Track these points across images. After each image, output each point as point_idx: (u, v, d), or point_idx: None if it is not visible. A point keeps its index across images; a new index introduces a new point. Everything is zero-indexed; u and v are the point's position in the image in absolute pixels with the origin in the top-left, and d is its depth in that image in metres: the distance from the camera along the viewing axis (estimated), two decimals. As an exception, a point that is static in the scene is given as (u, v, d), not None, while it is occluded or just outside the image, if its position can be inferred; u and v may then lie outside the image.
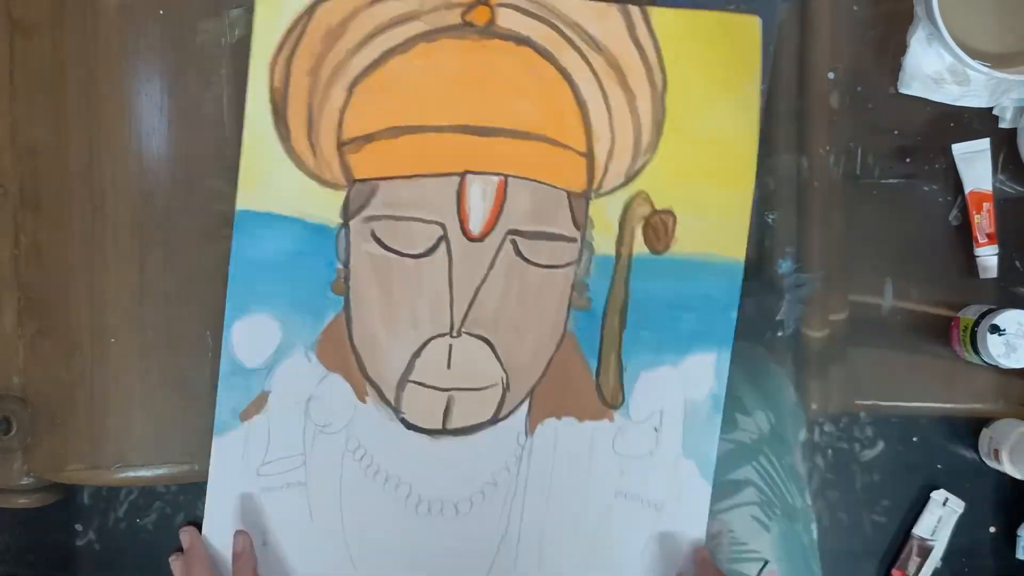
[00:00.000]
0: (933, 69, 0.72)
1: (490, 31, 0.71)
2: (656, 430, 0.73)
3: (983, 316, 0.71)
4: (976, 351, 0.71)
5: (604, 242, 0.72)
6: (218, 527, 0.72)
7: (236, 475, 0.72)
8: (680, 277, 0.72)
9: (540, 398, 0.73)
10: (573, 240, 0.72)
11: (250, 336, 0.71)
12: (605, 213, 0.72)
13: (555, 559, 0.73)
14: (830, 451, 0.77)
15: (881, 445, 0.77)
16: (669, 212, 0.72)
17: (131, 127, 0.72)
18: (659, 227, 0.72)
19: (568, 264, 0.72)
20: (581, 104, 0.71)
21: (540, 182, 0.71)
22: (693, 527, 0.73)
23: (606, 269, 0.72)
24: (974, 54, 0.68)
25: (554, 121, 0.71)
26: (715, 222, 0.72)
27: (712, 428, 0.73)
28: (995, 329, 0.71)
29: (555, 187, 0.71)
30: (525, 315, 0.72)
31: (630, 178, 0.72)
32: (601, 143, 0.72)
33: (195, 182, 0.72)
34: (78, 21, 0.71)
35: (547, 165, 0.71)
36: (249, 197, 0.71)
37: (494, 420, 0.73)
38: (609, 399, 0.73)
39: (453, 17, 0.70)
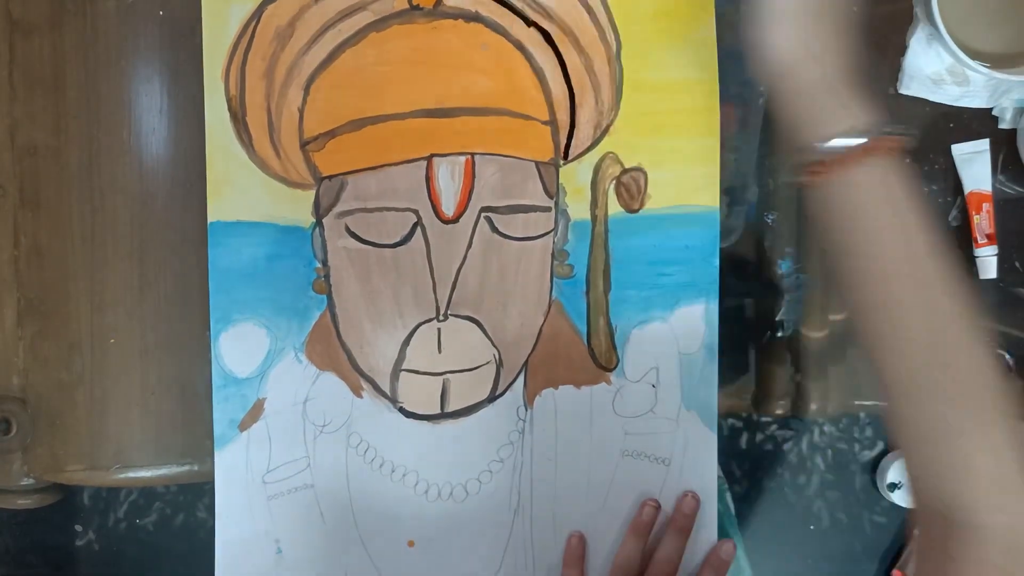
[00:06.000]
0: (933, 70, 0.72)
1: (439, 11, 0.71)
2: (654, 387, 0.74)
3: None
4: None
5: (578, 207, 0.73)
6: (230, 541, 0.72)
7: (242, 486, 0.72)
8: (658, 232, 0.73)
9: (535, 370, 0.73)
10: (547, 209, 0.72)
11: (238, 346, 0.71)
12: (576, 178, 0.73)
13: (570, 524, 0.74)
14: (830, 451, 0.77)
15: (881, 445, 0.77)
16: (639, 169, 0.72)
17: (131, 127, 0.72)
18: (631, 185, 0.72)
19: (545, 234, 0.72)
20: (538, 73, 0.72)
21: (507, 156, 0.71)
22: (703, 478, 0.74)
23: (584, 234, 0.73)
24: (974, 54, 0.68)
25: (513, 93, 0.71)
26: (686, 173, 0.72)
27: (710, 377, 0.73)
28: (893, 487, 0.75)
29: (522, 159, 0.72)
30: (509, 290, 0.72)
31: (596, 141, 0.72)
32: (562, 109, 0.72)
33: (195, 182, 0.71)
34: (78, 21, 0.71)
35: (512, 138, 0.71)
36: (219, 208, 0.71)
37: (492, 398, 0.73)
38: (603, 362, 0.73)
39: (400, 2, 0.71)
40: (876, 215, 0.53)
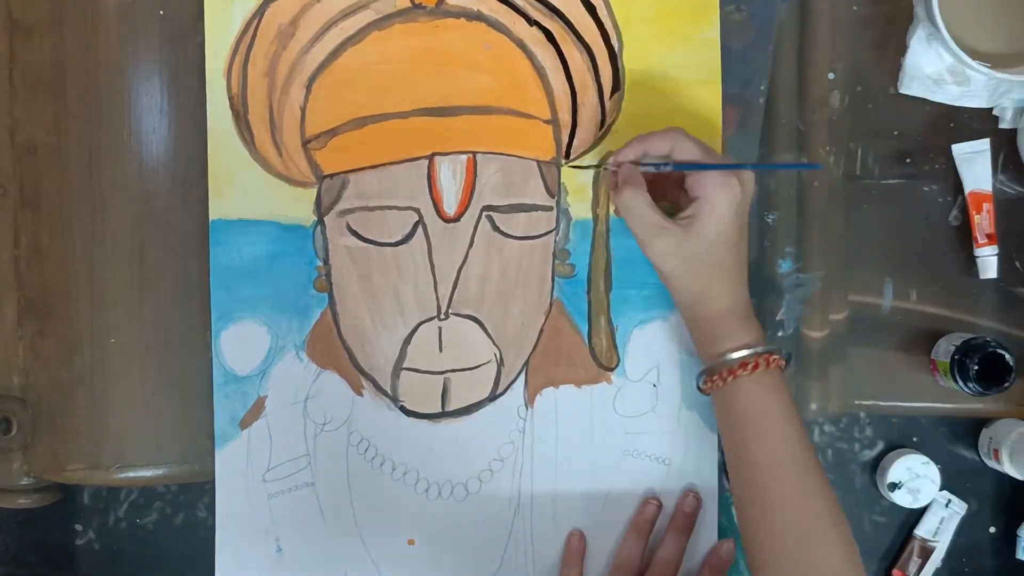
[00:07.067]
0: (933, 69, 0.72)
1: (441, 10, 0.71)
2: (655, 386, 0.74)
3: (955, 355, 0.71)
4: (962, 384, 0.71)
5: (580, 207, 0.73)
6: (230, 540, 0.72)
7: (242, 485, 0.72)
8: None
9: (535, 369, 0.73)
10: (549, 208, 0.72)
11: (239, 344, 0.72)
12: (577, 178, 0.73)
13: (570, 523, 0.74)
14: (830, 451, 0.77)
15: (881, 445, 0.77)
16: None
17: (131, 127, 0.72)
18: None
19: (547, 233, 0.72)
20: (540, 72, 0.72)
21: (509, 155, 0.72)
22: (704, 478, 0.74)
23: (585, 233, 0.73)
24: (974, 54, 0.68)
25: (515, 92, 0.71)
26: None
27: None
28: (893, 487, 0.75)
29: (524, 158, 0.72)
30: (510, 289, 0.72)
31: (598, 140, 0.73)
32: (564, 109, 0.72)
33: (195, 182, 0.72)
34: (78, 21, 0.71)
35: (513, 137, 0.71)
36: (221, 206, 0.71)
37: (492, 397, 0.73)
38: (604, 361, 0.73)
39: (402, 1, 0.71)
40: (758, 417, 0.64)
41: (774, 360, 0.64)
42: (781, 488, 0.62)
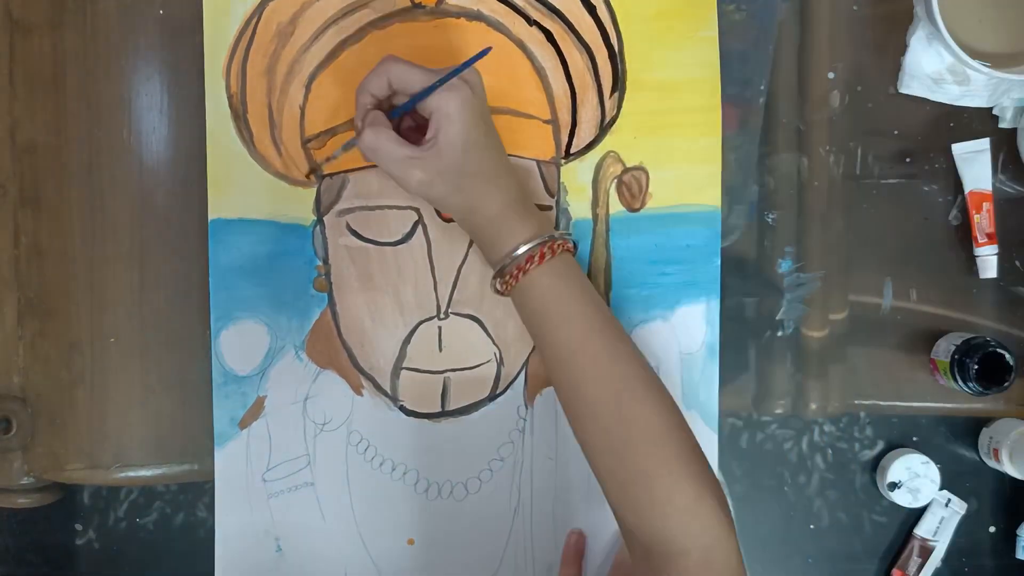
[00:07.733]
0: (933, 69, 0.72)
1: (440, 10, 0.71)
2: None
3: (955, 355, 0.71)
4: (962, 383, 0.71)
5: (580, 206, 0.73)
6: (230, 540, 0.72)
7: (242, 485, 0.72)
8: (659, 231, 0.73)
9: (535, 369, 0.73)
10: (548, 208, 0.73)
11: (238, 344, 0.72)
12: (577, 177, 0.73)
13: (570, 522, 0.74)
14: (830, 451, 0.77)
15: (881, 445, 0.77)
16: (641, 168, 0.73)
17: (131, 127, 0.72)
18: (632, 184, 0.73)
19: None
20: (539, 72, 0.72)
21: (508, 155, 0.71)
22: None
23: (585, 233, 0.73)
24: (974, 54, 0.68)
25: (515, 92, 0.72)
26: (687, 172, 0.73)
27: (710, 377, 0.73)
28: (893, 486, 0.75)
29: (524, 158, 0.72)
30: None
31: (598, 139, 0.73)
32: (564, 108, 0.72)
33: (195, 181, 0.72)
34: (78, 21, 0.71)
35: (513, 137, 0.71)
36: (220, 205, 0.71)
37: (492, 396, 0.73)
38: None
39: (402, 0, 0.71)
40: (557, 304, 0.63)
41: (560, 245, 0.63)
42: (591, 361, 0.62)
